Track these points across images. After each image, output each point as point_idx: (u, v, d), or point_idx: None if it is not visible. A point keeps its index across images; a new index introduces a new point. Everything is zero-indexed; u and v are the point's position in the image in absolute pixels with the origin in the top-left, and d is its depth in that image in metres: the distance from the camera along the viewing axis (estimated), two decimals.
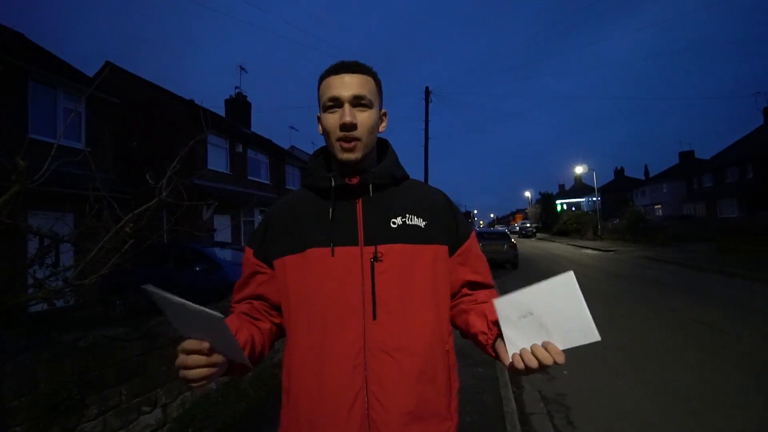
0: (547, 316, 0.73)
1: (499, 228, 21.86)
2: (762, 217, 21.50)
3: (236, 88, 18.63)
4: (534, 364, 0.72)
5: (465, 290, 0.99)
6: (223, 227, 13.35)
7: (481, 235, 14.28)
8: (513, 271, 12.71)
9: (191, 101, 14.02)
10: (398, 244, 0.87)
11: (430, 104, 17.94)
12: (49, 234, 2.53)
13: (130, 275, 7.08)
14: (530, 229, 44.66)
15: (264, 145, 17.38)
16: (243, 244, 11.73)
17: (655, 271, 12.07)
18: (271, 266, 0.94)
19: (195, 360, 0.70)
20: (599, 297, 8.11)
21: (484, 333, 0.84)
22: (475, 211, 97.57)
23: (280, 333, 0.99)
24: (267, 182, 17.29)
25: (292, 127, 28.34)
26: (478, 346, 0.89)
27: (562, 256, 18.08)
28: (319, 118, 0.94)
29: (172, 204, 2.74)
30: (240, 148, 15.38)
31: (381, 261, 0.85)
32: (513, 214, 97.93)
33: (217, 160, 14.17)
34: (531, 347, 0.74)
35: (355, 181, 0.89)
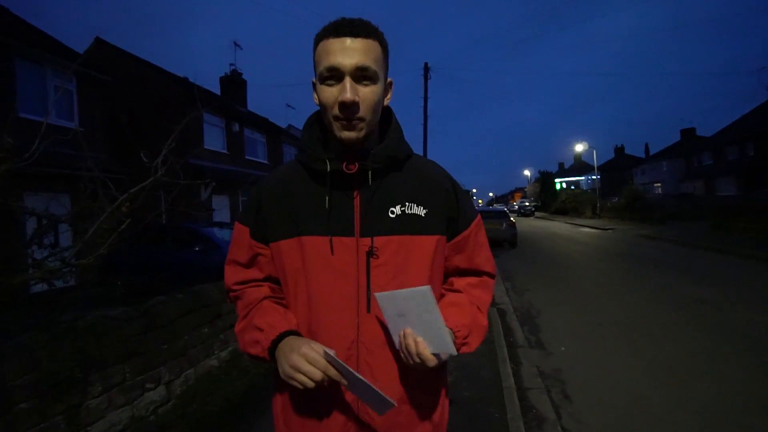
0: (416, 321, 0.75)
1: (497, 207, 21.85)
2: (758, 195, 21.54)
3: (231, 65, 18.18)
4: (415, 358, 0.74)
5: (453, 277, 0.97)
6: (221, 207, 13.31)
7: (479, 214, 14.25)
8: (512, 249, 12.78)
9: (185, 79, 13.73)
10: (396, 236, 0.83)
11: (429, 81, 17.61)
12: (45, 214, 2.50)
13: (128, 255, 7.12)
14: (529, 207, 44.70)
15: (260, 123, 17.13)
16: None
17: (651, 249, 12.17)
18: (268, 245, 0.90)
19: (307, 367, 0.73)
20: (596, 274, 8.20)
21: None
22: (474, 190, 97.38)
23: None
24: (264, 161, 17.13)
25: (289, 105, 27.86)
26: None
27: (559, 234, 18.17)
28: (314, 85, 0.82)
29: (168, 183, 2.70)
30: (236, 127, 15.15)
31: (376, 256, 0.81)
32: (512, 193, 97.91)
33: (214, 139, 13.98)
34: (404, 336, 0.75)
35: (353, 168, 0.81)
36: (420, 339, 0.74)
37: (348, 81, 0.75)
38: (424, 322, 0.74)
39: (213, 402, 2.94)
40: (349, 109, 0.75)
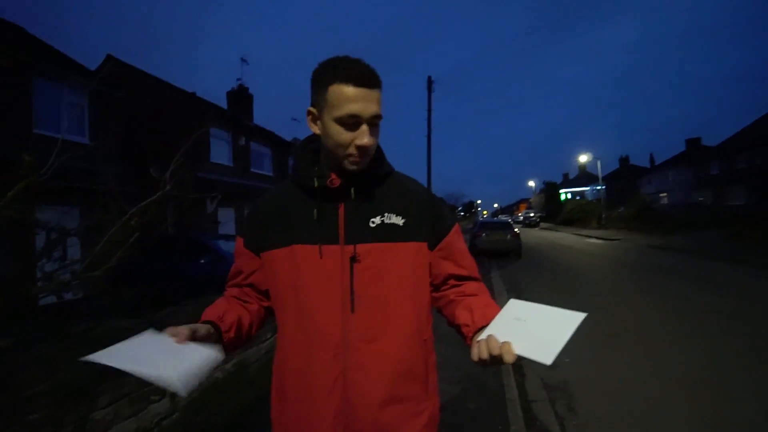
0: (534, 329, 0.77)
1: (502, 218, 21.81)
2: None
3: (238, 80, 18.54)
4: (485, 353, 0.76)
5: (452, 281, 1.02)
6: (227, 219, 13.44)
7: (484, 225, 14.25)
8: (517, 260, 12.73)
9: (193, 94, 14.01)
10: (376, 243, 0.91)
11: (433, 93, 17.80)
12: (56, 227, 2.58)
13: (138, 267, 7.20)
14: (534, 218, 44.48)
15: (267, 137, 17.37)
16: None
17: (661, 259, 12.02)
18: (260, 256, 1.00)
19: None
20: (604, 284, 8.12)
21: (467, 326, 0.90)
22: (479, 201, 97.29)
23: (267, 314, 1.08)
24: (270, 174, 17.32)
25: (294, 119, 28.20)
26: (459, 335, 0.95)
27: (565, 245, 18.03)
28: (315, 116, 0.92)
29: (176, 197, 2.77)
30: (243, 141, 15.38)
31: (359, 261, 0.90)
32: (517, 204, 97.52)
33: (221, 152, 14.20)
34: (488, 338, 0.77)
35: (336, 183, 0.91)
36: (507, 344, 0.75)
37: (366, 128, 0.86)
38: (545, 332, 0.76)
39: (219, 413, 2.96)
40: (365, 151, 0.88)
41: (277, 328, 1.00)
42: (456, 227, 1.04)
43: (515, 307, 0.84)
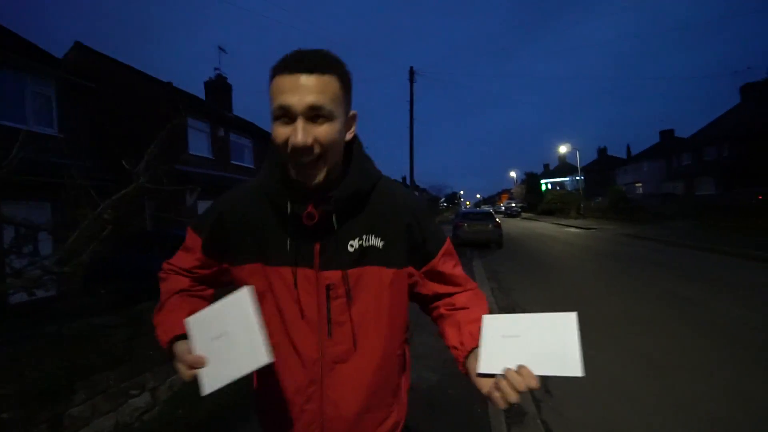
0: (535, 342, 0.74)
1: (484, 208, 22.13)
2: (737, 194, 22.24)
3: (216, 69, 18.05)
4: (513, 397, 0.71)
5: (445, 299, 0.99)
6: None
7: (466, 216, 14.41)
8: (498, 250, 12.96)
9: (169, 84, 13.59)
10: (353, 269, 0.85)
11: (415, 85, 17.79)
12: (24, 223, 2.49)
13: (114, 263, 7.02)
14: (515, 208, 45.21)
15: (247, 128, 17.04)
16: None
17: (635, 248, 12.46)
18: (219, 262, 0.95)
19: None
20: (581, 272, 8.37)
21: (456, 348, 0.88)
22: (462, 192, 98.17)
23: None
24: (251, 166, 17.04)
25: None
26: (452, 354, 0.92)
27: (545, 235, 18.45)
28: (271, 126, 0.79)
29: (152, 190, 2.71)
30: (222, 132, 15.05)
31: (334, 288, 0.84)
32: (499, 195, 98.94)
33: (199, 144, 13.86)
34: (505, 373, 0.72)
35: (315, 219, 0.80)
36: (525, 368, 0.71)
37: (300, 122, 0.72)
38: (549, 342, 0.72)
39: (200, 408, 2.94)
40: (300, 152, 0.73)
41: None
42: (445, 247, 0.96)
43: (494, 323, 0.79)
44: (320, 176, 0.78)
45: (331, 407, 0.89)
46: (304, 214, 0.80)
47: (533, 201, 48.57)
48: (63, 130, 9.32)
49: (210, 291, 1.00)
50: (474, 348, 0.83)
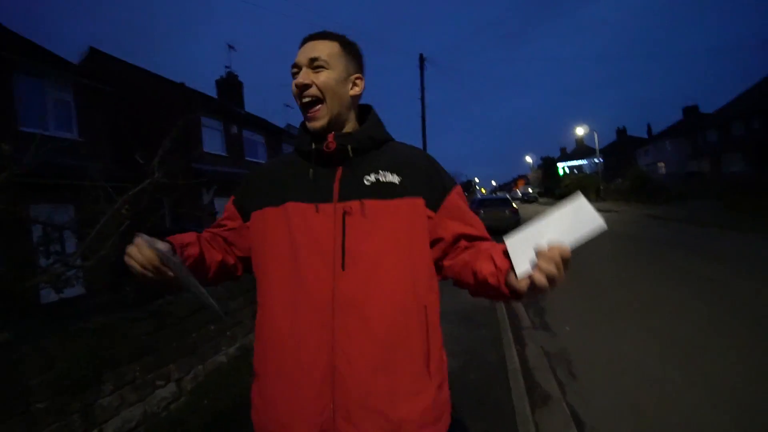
0: (558, 230, 0.77)
1: (500, 194, 21.82)
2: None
3: (226, 67, 18.19)
4: (551, 269, 0.73)
5: (463, 242, 0.95)
6: (223, 209, 13.40)
7: (482, 203, 14.26)
8: None
9: (182, 84, 13.77)
10: (370, 199, 0.88)
11: (426, 73, 17.53)
12: (47, 222, 2.56)
13: None
14: (532, 194, 44.51)
15: (259, 124, 17.17)
16: None
17: (659, 229, 12.09)
18: (244, 216, 1.01)
19: (134, 252, 0.80)
20: (603, 255, 8.16)
21: (494, 273, 0.83)
22: (477, 180, 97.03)
23: (227, 273, 1.04)
24: (265, 162, 17.19)
25: (287, 105, 27.87)
26: (490, 292, 0.87)
27: None
28: None
29: (167, 185, 2.75)
30: (235, 129, 15.21)
31: (352, 215, 0.87)
32: (515, 180, 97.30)
33: (213, 142, 14.05)
34: (538, 251, 0.75)
35: (333, 147, 0.90)
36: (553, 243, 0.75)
37: (304, 70, 0.92)
38: (568, 226, 0.77)
39: (225, 397, 3.00)
40: (301, 90, 0.91)
41: (259, 295, 0.94)
42: (458, 188, 0.99)
43: (517, 239, 0.80)
44: (324, 119, 0.92)
45: (342, 360, 0.82)
46: (324, 145, 0.91)
47: (550, 185, 47.63)
48: (83, 133, 9.57)
49: (219, 257, 1.00)
50: (510, 267, 0.80)
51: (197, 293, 0.84)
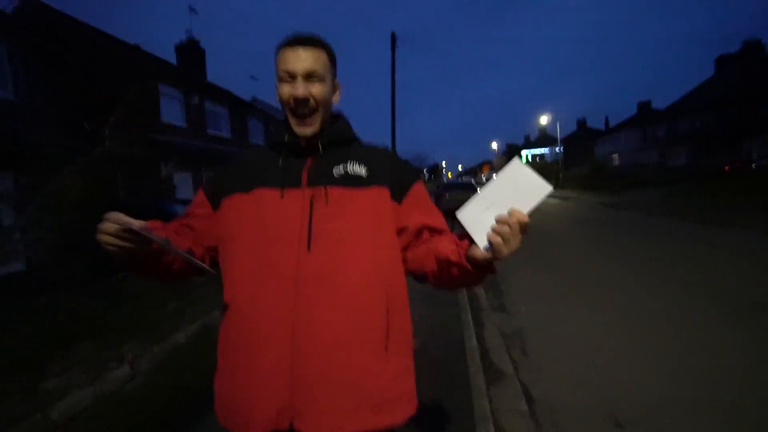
0: (506, 200, 0.81)
1: (465, 179, 22.31)
2: (706, 163, 23.04)
3: (187, 31, 16.98)
4: (508, 234, 0.77)
5: (426, 234, 0.99)
6: (184, 184, 12.80)
7: (448, 187, 14.54)
8: None
9: (137, 46, 12.76)
10: (338, 187, 0.94)
11: (397, 52, 17.25)
12: None
13: (88, 234, 6.78)
14: None
15: (223, 95, 16.30)
16: None
17: (610, 215, 12.93)
18: (215, 204, 1.02)
19: (107, 227, 0.83)
20: (558, 239, 8.63)
21: (454, 251, 0.88)
22: (444, 163, 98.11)
23: (192, 269, 0.98)
24: (228, 136, 16.45)
25: (253, 77, 26.62)
26: (453, 272, 0.89)
27: None
28: (276, 87, 0.99)
29: (120, 155, 2.57)
30: (196, 100, 14.36)
31: (318, 200, 0.92)
32: (480, 166, 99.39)
33: (172, 112, 13.21)
34: (497, 219, 0.80)
35: (304, 144, 0.97)
36: (511, 209, 0.79)
37: (300, 81, 0.93)
38: (515, 191, 0.82)
39: (182, 378, 2.94)
40: (300, 102, 0.93)
41: (225, 281, 0.95)
42: (420, 182, 1.05)
43: (468, 211, 0.85)
44: (315, 126, 0.97)
45: (303, 333, 0.84)
46: (297, 140, 0.97)
47: None
48: (20, 95, 8.70)
49: (188, 246, 0.97)
50: (471, 242, 0.85)
51: (183, 255, 0.86)
